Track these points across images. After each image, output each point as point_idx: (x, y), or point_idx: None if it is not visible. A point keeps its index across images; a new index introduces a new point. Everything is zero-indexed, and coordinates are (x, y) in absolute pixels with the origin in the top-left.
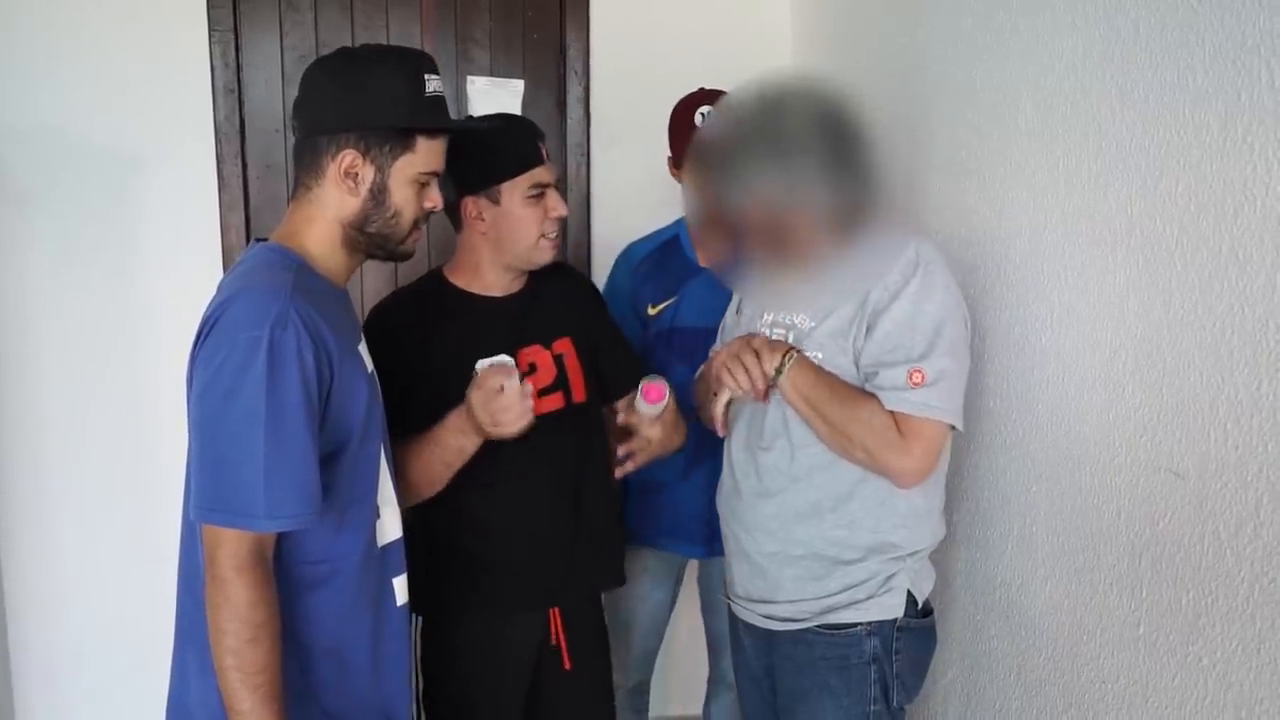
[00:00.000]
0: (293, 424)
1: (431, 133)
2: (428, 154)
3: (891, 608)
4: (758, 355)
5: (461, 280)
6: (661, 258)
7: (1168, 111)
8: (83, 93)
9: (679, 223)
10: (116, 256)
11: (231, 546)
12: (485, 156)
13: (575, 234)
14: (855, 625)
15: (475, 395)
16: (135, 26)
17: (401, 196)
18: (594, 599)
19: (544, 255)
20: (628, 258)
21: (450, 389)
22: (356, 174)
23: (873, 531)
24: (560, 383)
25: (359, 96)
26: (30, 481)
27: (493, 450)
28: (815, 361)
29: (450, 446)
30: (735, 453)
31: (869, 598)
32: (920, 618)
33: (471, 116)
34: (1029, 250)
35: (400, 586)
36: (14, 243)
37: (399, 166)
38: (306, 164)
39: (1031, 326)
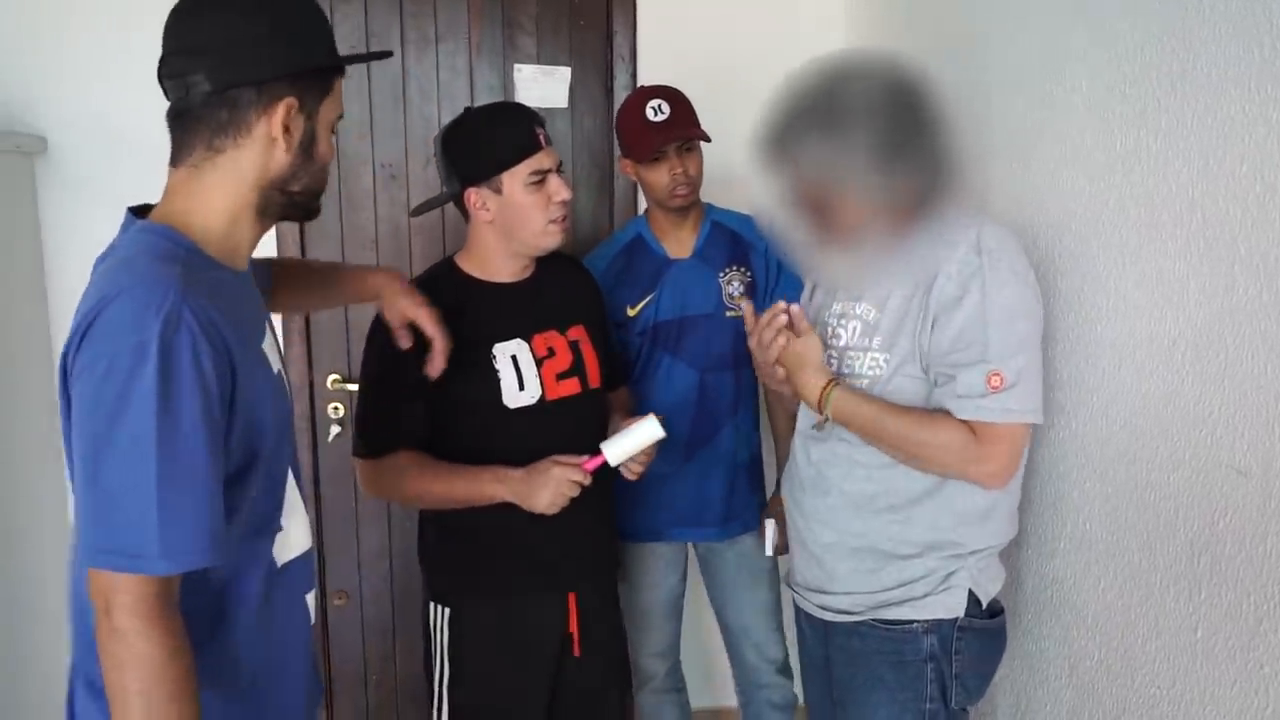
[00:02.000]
0: (191, 445)
1: (342, 72)
2: (339, 96)
3: (951, 607)
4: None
5: (473, 268)
6: (629, 259)
7: (1232, 87)
8: (136, 86)
9: (638, 222)
10: None
11: (133, 594)
12: (483, 147)
13: (622, 220)
14: (911, 622)
15: (537, 479)
16: None
17: (325, 146)
18: (610, 585)
19: (552, 240)
20: (592, 264)
21: (468, 374)
22: (290, 126)
23: (930, 528)
24: (577, 368)
25: (288, 34)
26: None
27: (513, 438)
28: (867, 380)
29: (481, 497)
30: (798, 441)
31: (926, 595)
32: (986, 618)
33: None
34: (1084, 235)
35: (311, 602)
36: (76, 229)
37: (323, 112)
38: (221, 122)
39: (1086, 315)
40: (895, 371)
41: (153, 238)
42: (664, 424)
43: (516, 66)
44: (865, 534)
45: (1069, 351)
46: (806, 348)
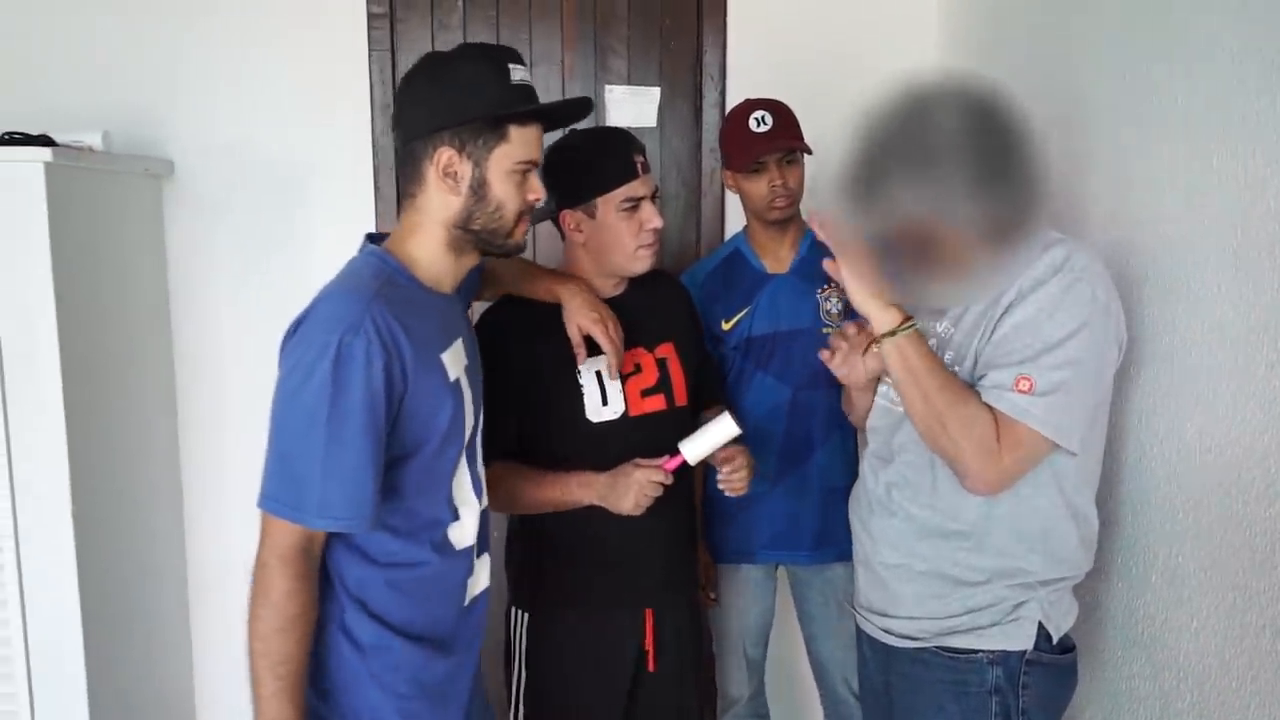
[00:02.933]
0: (352, 429)
1: (523, 121)
2: (522, 143)
3: (1019, 639)
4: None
5: None
6: (727, 273)
7: None
8: (259, 112)
9: (737, 237)
10: (287, 259)
11: (279, 536)
12: (580, 171)
13: (709, 239)
14: (976, 652)
15: (620, 481)
16: (303, 50)
17: (502, 189)
18: (691, 603)
19: (641, 265)
20: (691, 279)
21: (556, 387)
22: (455, 172)
23: (999, 554)
24: (663, 385)
25: (447, 95)
26: (212, 458)
27: (596, 452)
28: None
29: (570, 500)
30: (866, 462)
31: (992, 624)
32: (1057, 653)
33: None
34: (1180, 257)
35: (472, 585)
36: (199, 247)
37: (495, 158)
38: (409, 173)
39: (1181, 339)
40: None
41: (371, 259)
42: (740, 423)
43: (608, 87)
44: (932, 558)
45: (1162, 376)
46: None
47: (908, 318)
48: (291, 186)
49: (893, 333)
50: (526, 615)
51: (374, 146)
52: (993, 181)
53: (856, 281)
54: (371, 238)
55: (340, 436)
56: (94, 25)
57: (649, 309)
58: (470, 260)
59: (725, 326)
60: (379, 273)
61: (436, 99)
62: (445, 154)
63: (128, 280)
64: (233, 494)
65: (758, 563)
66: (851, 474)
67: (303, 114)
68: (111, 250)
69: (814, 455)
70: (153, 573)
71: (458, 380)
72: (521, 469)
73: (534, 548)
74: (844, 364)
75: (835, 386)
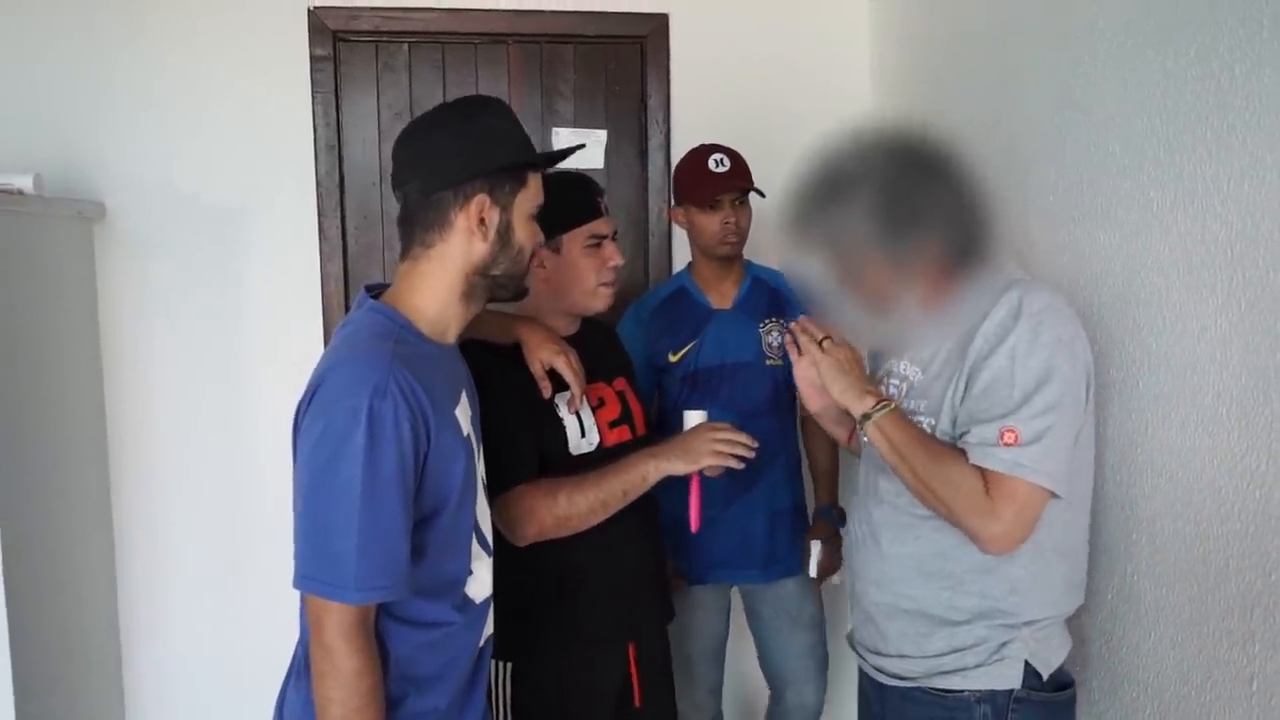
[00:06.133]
0: (387, 496)
1: (536, 167)
2: (537, 188)
3: (1005, 678)
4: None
5: None
6: (673, 308)
7: (1268, 154)
8: (195, 155)
9: (682, 275)
10: (224, 301)
11: (338, 615)
12: (548, 209)
13: (656, 276)
14: (963, 691)
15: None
16: (245, 88)
17: (523, 233)
18: (664, 633)
19: (601, 302)
20: (637, 312)
21: (540, 421)
22: (486, 219)
23: (980, 595)
24: (625, 416)
25: (477, 144)
26: (143, 504)
27: None
28: (915, 420)
29: (635, 479)
30: (857, 502)
31: (978, 665)
32: (1050, 690)
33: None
34: (1121, 291)
35: (483, 633)
36: (132, 287)
37: (518, 204)
38: (429, 221)
39: (1129, 371)
40: (937, 434)
41: (376, 316)
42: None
43: (554, 130)
44: (916, 597)
45: (1112, 406)
46: (844, 356)
47: (882, 400)
48: (228, 229)
49: (868, 415)
50: (510, 665)
51: (318, 188)
52: (911, 218)
53: (831, 377)
54: (370, 290)
55: (375, 504)
56: (25, 68)
57: (599, 347)
58: (477, 308)
59: (672, 358)
60: (388, 331)
61: (468, 148)
62: (479, 201)
63: (58, 323)
64: (162, 534)
65: (709, 583)
66: (795, 495)
67: (242, 156)
68: (42, 293)
69: (760, 480)
70: (83, 621)
71: (469, 435)
72: (563, 480)
73: (514, 594)
74: (809, 383)
75: (779, 415)
